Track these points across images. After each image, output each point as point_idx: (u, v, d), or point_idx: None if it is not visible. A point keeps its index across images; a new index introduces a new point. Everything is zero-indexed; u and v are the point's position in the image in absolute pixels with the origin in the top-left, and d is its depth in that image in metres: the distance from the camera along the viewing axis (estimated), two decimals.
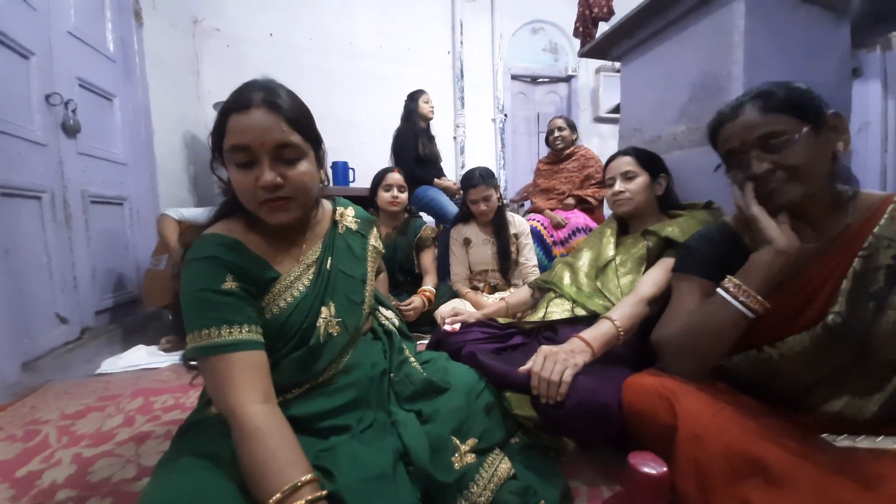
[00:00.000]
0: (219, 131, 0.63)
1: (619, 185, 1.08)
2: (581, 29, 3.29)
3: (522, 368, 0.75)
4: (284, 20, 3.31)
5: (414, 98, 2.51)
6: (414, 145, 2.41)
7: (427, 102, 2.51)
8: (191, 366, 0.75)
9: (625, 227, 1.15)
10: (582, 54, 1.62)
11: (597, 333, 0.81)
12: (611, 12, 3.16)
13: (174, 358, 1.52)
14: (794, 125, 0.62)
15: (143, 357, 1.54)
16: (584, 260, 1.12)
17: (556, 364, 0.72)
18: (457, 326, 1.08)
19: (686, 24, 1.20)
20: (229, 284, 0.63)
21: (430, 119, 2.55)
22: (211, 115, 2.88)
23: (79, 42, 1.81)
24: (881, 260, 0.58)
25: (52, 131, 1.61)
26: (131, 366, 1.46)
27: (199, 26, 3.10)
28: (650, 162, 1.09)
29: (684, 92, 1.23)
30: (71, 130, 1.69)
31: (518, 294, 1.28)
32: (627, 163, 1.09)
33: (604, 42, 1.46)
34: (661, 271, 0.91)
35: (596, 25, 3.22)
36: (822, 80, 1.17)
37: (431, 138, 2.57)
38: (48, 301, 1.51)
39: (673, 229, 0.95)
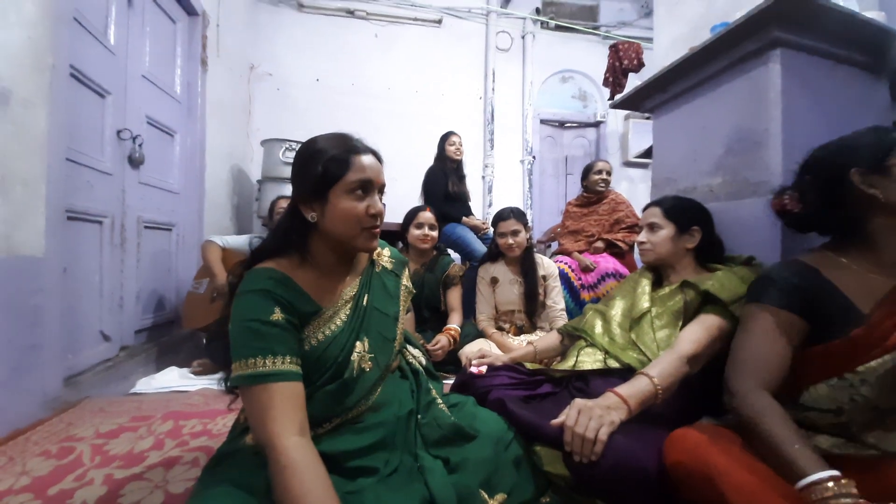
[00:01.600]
0: (336, 170, 0.71)
1: (642, 236, 1.10)
2: (611, 79, 3.42)
3: (555, 422, 0.72)
4: (329, 67, 3.59)
5: (443, 140, 2.62)
6: (444, 184, 2.49)
7: (452, 145, 2.59)
8: (230, 390, 0.78)
9: (659, 277, 1.13)
10: (613, 105, 1.67)
11: (634, 390, 0.77)
12: (641, 64, 3.29)
13: (204, 382, 1.56)
14: None
15: (176, 379, 1.59)
16: (618, 309, 1.10)
17: (592, 420, 0.69)
18: (483, 369, 1.06)
19: (721, 81, 1.23)
20: (277, 316, 0.66)
21: (459, 160, 2.64)
22: (258, 151, 3.09)
23: (150, 84, 2.03)
24: None
25: (119, 162, 1.77)
26: (164, 387, 1.51)
27: (254, 72, 3.41)
28: (680, 214, 1.07)
29: (720, 145, 1.23)
30: (136, 162, 1.86)
31: (547, 339, 1.26)
32: (654, 214, 1.09)
33: (635, 95, 1.50)
34: (701, 328, 0.88)
35: (626, 76, 3.35)
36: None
37: (462, 178, 2.65)
38: (95, 318, 1.61)
39: (713, 283, 0.92)
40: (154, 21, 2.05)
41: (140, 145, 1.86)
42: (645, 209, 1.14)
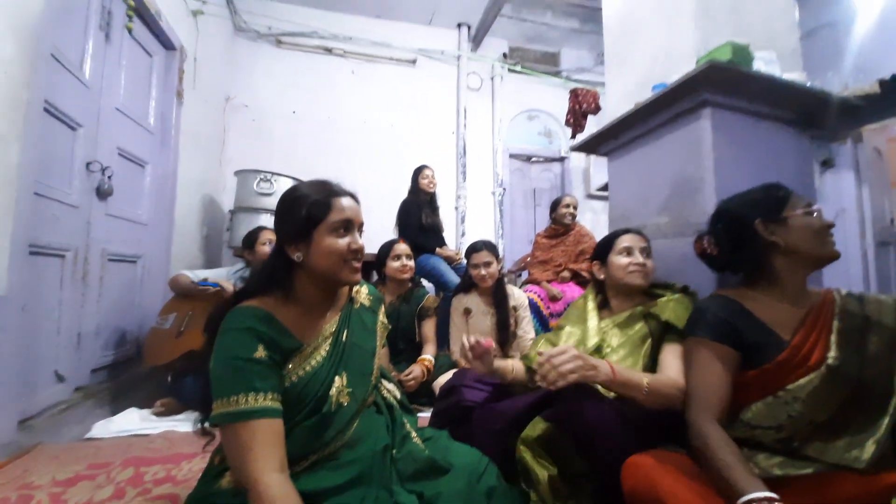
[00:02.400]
0: (318, 212, 0.76)
1: (640, 258, 1.11)
2: (572, 120, 3.69)
3: (541, 350, 0.83)
4: (306, 100, 3.68)
5: (416, 173, 2.72)
6: (418, 216, 2.57)
7: (425, 178, 2.70)
8: (205, 431, 0.78)
9: (604, 300, 1.19)
10: (573, 148, 1.82)
11: (626, 372, 0.85)
12: (598, 108, 3.58)
13: (167, 423, 1.50)
14: None
15: (136, 422, 1.51)
16: (568, 338, 1.14)
17: (570, 364, 0.78)
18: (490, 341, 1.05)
19: (662, 133, 1.39)
20: (260, 354, 0.69)
21: (430, 192, 2.73)
22: (231, 180, 3.08)
23: (124, 117, 2.03)
24: (852, 321, 0.78)
25: (86, 195, 1.74)
26: (123, 431, 1.43)
27: (230, 103, 3.44)
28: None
29: (665, 188, 1.38)
30: (104, 194, 1.83)
31: (518, 368, 1.28)
32: (644, 240, 1.15)
33: (592, 141, 1.66)
34: (679, 360, 0.93)
35: (585, 118, 3.63)
36: (784, 180, 1.32)
37: (435, 209, 2.74)
38: (51, 358, 1.53)
39: (671, 314, 0.99)
40: (131, 55, 2.07)
41: (109, 177, 1.84)
42: (626, 233, 1.17)
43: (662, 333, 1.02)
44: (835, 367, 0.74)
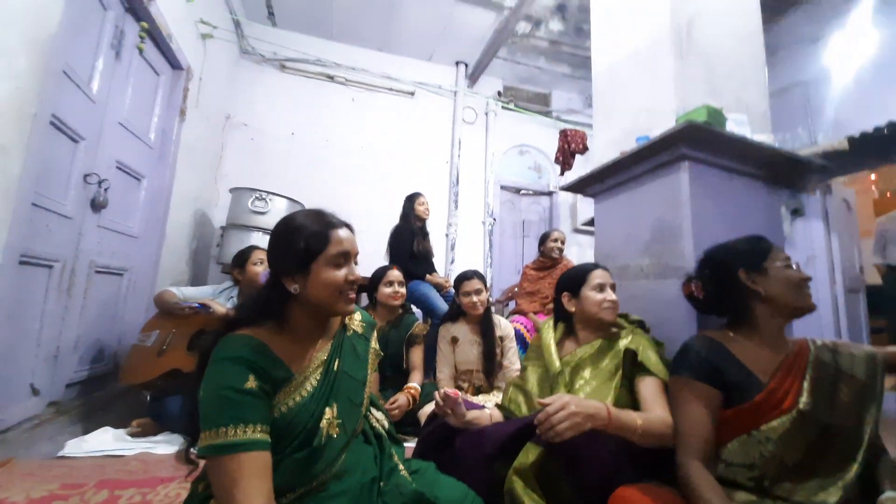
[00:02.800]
0: (317, 245, 0.77)
1: (613, 294, 1.17)
2: (561, 158, 3.87)
3: (542, 401, 0.84)
4: (305, 123, 3.77)
5: (411, 200, 2.78)
6: (409, 242, 2.62)
7: (422, 205, 2.77)
8: (189, 460, 0.77)
9: (568, 330, 1.23)
10: (563, 188, 1.92)
11: (622, 415, 0.86)
12: (586, 148, 3.77)
13: (143, 444, 1.45)
14: None
15: (110, 441, 1.46)
16: (534, 385, 1.16)
17: (566, 422, 0.80)
18: (457, 393, 1.06)
19: (645, 181, 1.49)
20: (251, 384, 0.69)
21: (425, 219, 2.80)
22: (225, 196, 3.11)
23: (126, 131, 2.06)
24: (825, 370, 0.85)
25: (81, 206, 1.75)
26: (95, 451, 1.39)
27: (230, 121, 3.50)
28: None
29: (647, 232, 1.47)
30: (98, 206, 1.83)
31: (496, 417, 1.19)
32: (611, 276, 1.21)
33: (580, 183, 1.76)
34: (661, 395, 0.98)
35: (573, 157, 3.80)
36: (755, 230, 1.42)
37: (426, 236, 2.80)
38: (27, 370, 1.49)
39: (643, 355, 1.04)
40: (139, 73, 2.13)
41: (106, 190, 1.85)
42: (596, 268, 1.22)
43: (632, 367, 1.06)
44: (806, 412, 0.80)
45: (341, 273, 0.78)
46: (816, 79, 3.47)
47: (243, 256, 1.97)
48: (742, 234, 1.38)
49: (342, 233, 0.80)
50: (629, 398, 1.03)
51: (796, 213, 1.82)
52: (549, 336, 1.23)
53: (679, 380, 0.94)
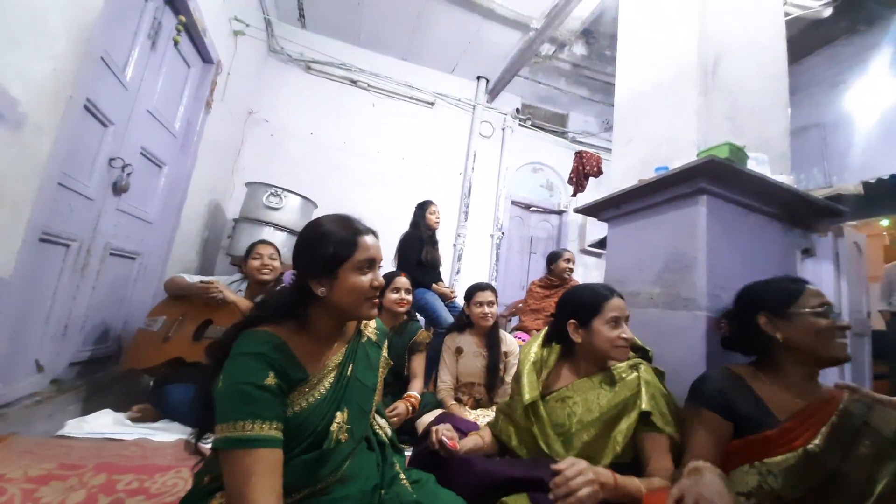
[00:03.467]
0: (345, 251, 0.79)
1: (628, 331, 1.03)
2: (574, 179, 3.89)
3: (555, 466, 0.79)
4: (325, 124, 3.83)
5: (423, 208, 2.79)
6: (418, 250, 2.63)
7: (433, 213, 2.78)
8: (196, 451, 0.78)
9: (567, 355, 1.12)
10: (577, 210, 1.93)
11: (627, 484, 0.82)
12: (600, 171, 3.80)
13: (142, 430, 1.45)
14: None
15: (109, 424, 1.46)
16: (521, 413, 1.06)
17: (589, 488, 0.75)
18: (455, 441, 1.03)
19: (661, 210, 1.50)
20: (270, 381, 0.70)
21: (435, 228, 2.81)
22: (239, 189, 3.14)
23: (153, 119, 2.10)
24: (850, 421, 0.82)
25: (102, 189, 1.77)
26: (95, 433, 1.39)
27: (251, 116, 3.56)
28: None
29: (660, 261, 1.48)
30: (119, 190, 1.86)
31: (487, 438, 1.16)
32: (625, 306, 1.07)
33: (595, 206, 1.77)
34: (668, 457, 0.93)
35: (587, 179, 3.83)
36: (768, 268, 1.43)
37: (435, 244, 2.80)
38: (34, 346, 1.50)
39: (651, 405, 0.95)
40: (171, 64, 2.18)
41: (129, 174, 1.88)
42: (618, 299, 1.08)
43: (643, 424, 0.96)
44: (812, 454, 0.80)
45: (367, 278, 0.81)
46: (834, 121, 3.50)
47: (250, 250, 2.01)
48: (756, 271, 1.39)
49: (369, 239, 0.83)
50: (629, 450, 0.96)
51: (807, 252, 1.82)
52: (528, 361, 1.12)
53: (692, 409, 0.95)
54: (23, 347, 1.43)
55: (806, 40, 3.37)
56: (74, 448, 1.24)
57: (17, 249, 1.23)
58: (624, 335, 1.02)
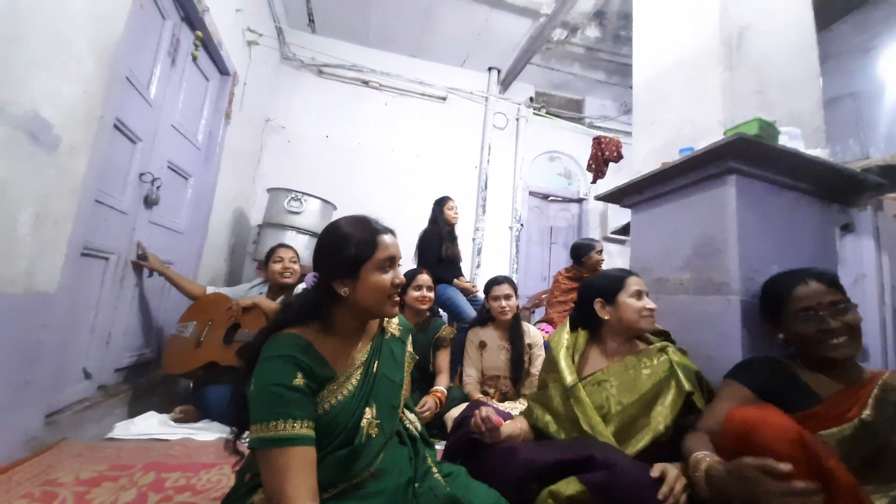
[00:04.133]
0: (366, 251, 0.81)
1: (651, 303, 1.12)
2: (594, 166, 3.80)
3: (654, 473, 0.82)
4: (339, 126, 3.87)
5: (440, 204, 2.79)
6: (438, 247, 2.64)
7: (452, 209, 2.78)
8: (235, 450, 0.81)
9: (595, 338, 1.18)
10: (598, 198, 1.89)
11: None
12: (620, 156, 3.69)
13: (185, 430, 1.52)
14: (847, 299, 0.93)
15: (155, 426, 1.54)
16: (558, 401, 1.09)
17: (685, 490, 0.79)
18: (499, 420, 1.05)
19: (688, 193, 1.45)
20: (299, 381, 0.73)
21: (454, 224, 2.81)
22: (262, 196, 3.23)
23: (177, 133, 2.17)
24: (892, 395, 0.84)
25: (135, 202, 1.85)
26: (142, 434, 1.47)
27: (269, 124, 3.64)
28: None
29: (688, 246, 1.43)
30: (150, 203, 1.94)
31: (524, 428, 1.17)
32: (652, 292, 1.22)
33: (617, 192, 1.73)
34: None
35: (607, 165, 3.73)
36: (804, 248, 1.37)
37: (454, 240, 2.80)
38: (81, 355, 1.59)
39: (690, 386, 1.00)
40: (191, 78, 2.25)
41: (158, 188, 1.96)
42: (633, 274, 1.17)
43: (680, 398, 0.99)
44: (868, 423, 0.82)
45: (388, 277, 0.83)
46: (869, 90, 3.29)
47: (270, 254, 2.07)
48: (791, 251, 1.33)
49: (388, 238, 0.85)
50: (669, 430, 0.98)
51: (846, 228, 1.74)
52: (561, 346, 1.16)
53: (729, 380, 0.98)
54: (70, 357, 1.52)
55: (833, 6, 3.17)
56: (123, 449, 1.31)
57: (61, 265, 1.30)
58: (648, 305, 1.11)
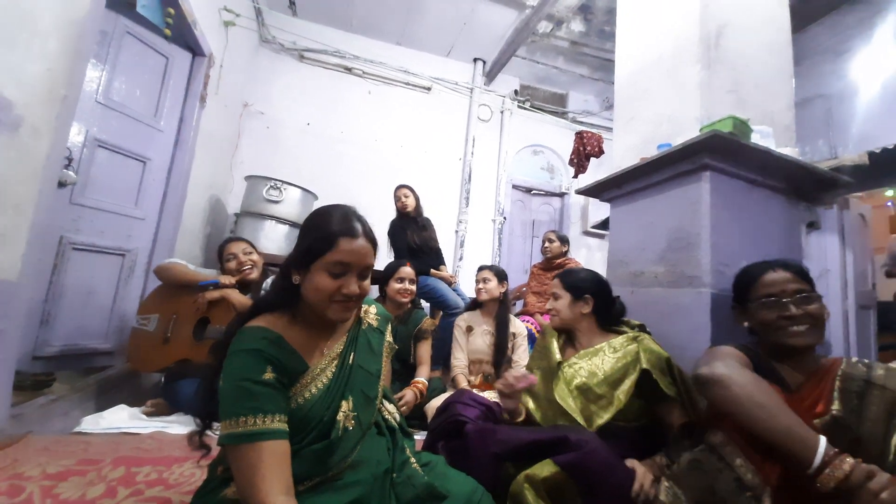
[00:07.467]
0: (320, 247, 0.75)
1: (550, 303, 1.30)
2: (575, 160, 3.84)
3: (635, 488, 0.88)
4: (321, 114, 3.78)
5: (395, 192, 2.74)
6: (403, 237, 2.60)
7: (399, 198, 2.69)
8: (202, 444, 0.79)
9: (570, 339, 1.29)
10: (578, 192, 1.92)
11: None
12: (601, 152, 3.74)
13: (157, 424, 1.48)
14: (813, 290, 0.94)
15: (125, 420, 1.49)
16: (540, 382, 1.20)
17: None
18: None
19: (664, 189, 1.48)
20: (268, 375, 0.70)
21: (407, 211, 2.69)
22: (239, 183, 3.13)
23: (111, 111, 1.96)
24: (853, 382, 0.84)
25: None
26: (112, 428, 1.42)
27: (247, 109, 3.52)
28: (573, 284, 1.27)
29: (662, 240, 1.47)
30: (62, 183, 1.69)
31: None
32: (555, 285, 1.31)
33: (596, 187, 1.76)
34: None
35: (588, 160, 3.78)
36: (772, 243, 1.42)
37: (422, 227, 2.69)
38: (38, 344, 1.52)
39: (658, 372, 1.07)
40: (137, 55, 2.06)
41: (70, 167, 1.73)
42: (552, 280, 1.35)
43: (640, 376, 1.09)
44: (838, 417, 0.82)
45: (334, 283, 0.75)
46: (839, 92, 3.41)
47: (220, 250, 1.88)
48: (760, 246, 1.38)
49: (355, 244, 0.77)
50: (631, 411, 1.09)
51: (812, 226, 1.81)
52: (554, 335, 1.30)
53: (719, 346, 0.97)
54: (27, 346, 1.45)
55: (808, 8, 3.26)
56: (92, 444, 1.27)
57: (22, 253, 1.24)
58: (549, 306, 1.30)
